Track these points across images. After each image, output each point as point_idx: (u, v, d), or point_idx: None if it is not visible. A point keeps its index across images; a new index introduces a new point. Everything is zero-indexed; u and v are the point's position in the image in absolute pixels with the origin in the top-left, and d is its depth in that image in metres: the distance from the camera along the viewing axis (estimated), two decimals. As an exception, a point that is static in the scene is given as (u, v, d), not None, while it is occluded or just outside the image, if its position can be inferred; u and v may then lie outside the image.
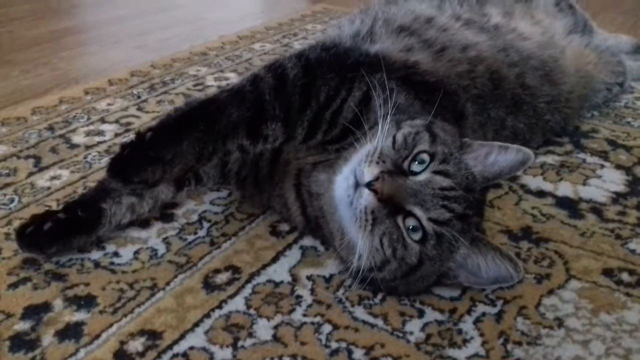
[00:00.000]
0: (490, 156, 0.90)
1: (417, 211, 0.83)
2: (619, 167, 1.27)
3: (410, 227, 0.83)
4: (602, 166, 1.27)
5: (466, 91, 1.10)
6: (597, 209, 1.13)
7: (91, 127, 1.46)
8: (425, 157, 0.86)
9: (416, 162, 0.85)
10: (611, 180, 1.21)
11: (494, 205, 1.13)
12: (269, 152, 1.04)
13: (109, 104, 1.59)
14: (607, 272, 0.97)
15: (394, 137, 0.87)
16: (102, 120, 1.50)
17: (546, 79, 1.24)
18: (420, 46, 1.10)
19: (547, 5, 1.46)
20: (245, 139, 0.90)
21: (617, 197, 1.16)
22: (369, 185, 0.83)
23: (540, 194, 1.17)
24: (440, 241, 0.84)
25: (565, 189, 1.19)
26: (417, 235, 0.84)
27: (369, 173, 0.84)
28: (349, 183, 0.86)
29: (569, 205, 1.14)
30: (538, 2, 1.43)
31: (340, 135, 0.94)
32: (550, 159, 1.29)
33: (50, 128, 1.45)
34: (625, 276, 0.96)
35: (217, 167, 1.10)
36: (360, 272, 0.88)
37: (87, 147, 1.37)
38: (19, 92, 1.67)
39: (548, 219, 1.10)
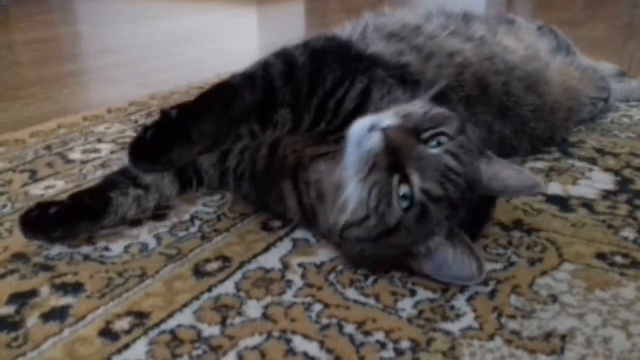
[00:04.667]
0: (504, 171, 0.91)
1: (415, 177, 0.83)
2: (607, 170, 1.28)
3: (402, 194, 0.84)
4: (591, 170, 1.28)
5: (455, 93, 1.13)
6: (587, 204, 1.13)
7: (88, 147, 1.48)
8: (444, 139, 0.87)
9: (435, 141, 0.87)
10: (601, 181, 1.22)
11: (486, 203, 1.14)
12: (267, 148, 1.05)
13: (106, 128, 1.62)
14: (601, 256, 0.96)
15: (429, 109, 0.90)
16: (99, 141, 1.52)
17: (531, 89, 1.27)
18: (410, 51, 1.14)
19: (530, 29, 1.52)
20: (257, 125, 0.92)
21: (607, 194, 1.17)
22: (384, 129, 0.84)
23: (531, 193, 1.18)
24: (422, 216, 0.84)
25: (555, 188, 1.20)
26: (405, 203, 0.84)
27: (389, 120, 0.85)
28: (366, 124, 0.86)
29: (560, 201, 1.14)
30: (521, 25, 1.49)
31: (341, 125, 0.95)
32: (539, 165, 1.30)
33: (48, 147, 1.47)
34: (619, 259, 0.95)
35: (217, 167, 1.11)
36: (342, 229, 0.88)
37: (83, 162, 1.38)
38: (19, 122, 1.70)
39: (539, 213, 1.10)
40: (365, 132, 0.85)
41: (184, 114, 0.91)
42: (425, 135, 0.86)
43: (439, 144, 0.86)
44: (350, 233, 0.88)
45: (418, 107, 0.90)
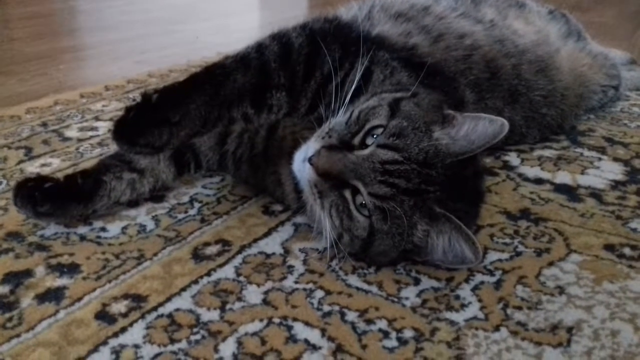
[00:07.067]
0: (462, 128, 0.84)
1: (360, 186, 0.82)
2: (616, 159, 1.26)
3: (359, 204, 0.83)
4: (600, 159, 1.25)
5: (464, 76, 1.10)
6: (596, 194, 1.11)
7: (85, 124, 1.45)
8: (379, 131, 0.83)
9: (370, 139, 0.83)
10: (609, 170, 1.20)
11: (492, 191, 1.11)
12: (265, 130, 1.02)
13: (104, 106, 1.58)
14: (609, 247, 0.94)
15: (351, 112, 0.86)
16: (96, 119, 1.49)
17: (541, 73, 1.25)
18: (418, 32, 1.11)
19: (540, 13, 1.48)
20: (250, 107, 0.89)
21: (616, 184, 1.14)
22: (310, 160, 0.84)
23: (538, 181, 1.16)
24: (385, 216, 0.81)
25: (563, 177, 1.17)
26: (366, 211, 0.82)
27: (312, 148, 0.85)
28: (301, 157, 0.86)
29: (568, 190, 1.12)
30: (531, 9, 1.46)
31: (340, 108, 0.92)
32: (547, 153, 1.28)
33: (44, 124, 1.44)
34: (627, 250, 0.93)
35: (216, 150, 1.08)
36: (334, 243, 0.87)
37: (80, 140, 1.36)
38: (14, 97, 1.67)
39: (547, 202, 1.08)
40: (301, 166, 0.86)
41: (165, 97, 0.88)
42: (356, 140, 0.84)
43: (376, 138, 0.83)
44: (342, 246, 0.88)
45: (343, 113, 0.87)
